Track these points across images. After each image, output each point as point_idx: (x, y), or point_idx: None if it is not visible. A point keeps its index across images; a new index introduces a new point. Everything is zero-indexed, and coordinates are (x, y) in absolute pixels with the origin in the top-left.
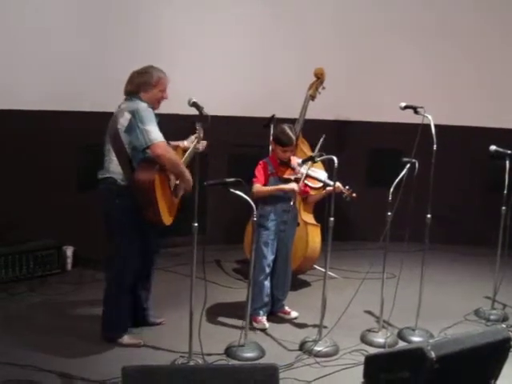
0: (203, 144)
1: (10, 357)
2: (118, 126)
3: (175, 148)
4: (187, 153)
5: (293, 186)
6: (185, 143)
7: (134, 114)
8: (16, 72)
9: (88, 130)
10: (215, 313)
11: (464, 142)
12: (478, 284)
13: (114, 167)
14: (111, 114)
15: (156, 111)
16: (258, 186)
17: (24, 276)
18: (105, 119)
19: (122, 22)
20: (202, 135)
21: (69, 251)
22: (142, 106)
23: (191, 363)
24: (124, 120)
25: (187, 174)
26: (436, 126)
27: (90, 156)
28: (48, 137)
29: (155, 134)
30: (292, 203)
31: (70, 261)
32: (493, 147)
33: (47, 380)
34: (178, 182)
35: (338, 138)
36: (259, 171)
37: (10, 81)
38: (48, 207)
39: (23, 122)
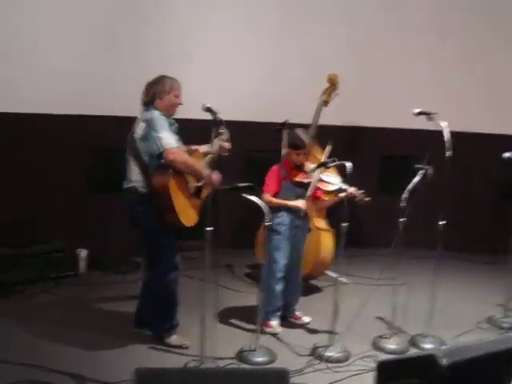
0: (226, 145)
1: (22, 357)
2: (135, 136)
3: (193, 151)
4: (209, 155)
5: (299, 203)
6: (206, 148)
7: (148, 122)
8: (30, 77)
9: (101, 133)
10: (227, 317)
11: (475, 148)
12: (490, 292)
13: (135, 176)
14: (121, 118)
15: (173, 116)
16: (267, 196)
17: (37, 278)
18: (115, 123)
19: (135, 30)
20: (227, 137)
21: (82, 253)
22: (156, 114)
23: (203, 366)
24: (139, 129)
25: (204, 171)
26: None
27: (103, 159)
28: (61, 139)
29: (167, 139)
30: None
31: (83, 263)
32: (506, 154)
33: (59, 381)
34: (199, 184)
35: (350, 144)
36: (270, 178)
37: (23, 85)
38: (62, 210)
39: (37, 124)
